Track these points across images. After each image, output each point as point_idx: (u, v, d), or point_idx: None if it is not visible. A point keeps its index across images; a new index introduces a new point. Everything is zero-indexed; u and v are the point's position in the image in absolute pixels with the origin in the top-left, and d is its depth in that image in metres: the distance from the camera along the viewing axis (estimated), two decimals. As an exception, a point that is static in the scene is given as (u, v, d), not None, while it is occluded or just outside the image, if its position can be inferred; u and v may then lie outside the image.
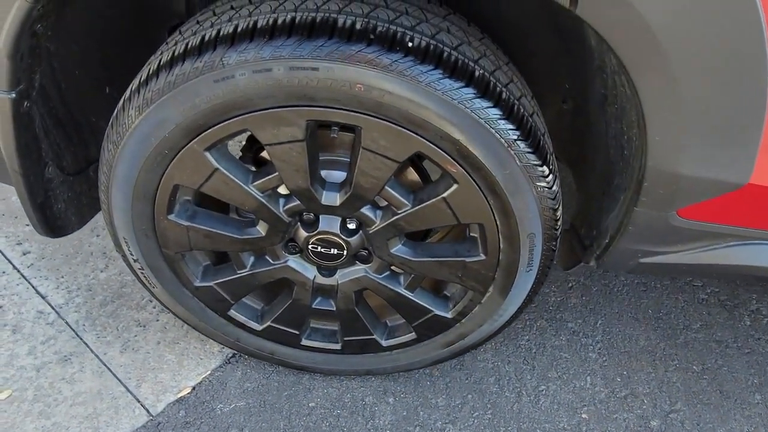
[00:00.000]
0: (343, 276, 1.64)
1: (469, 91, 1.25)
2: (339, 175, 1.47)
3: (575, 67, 1.59)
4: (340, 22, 1.23)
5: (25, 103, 1.37)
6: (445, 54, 1.25)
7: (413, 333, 1.73)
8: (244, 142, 1.63)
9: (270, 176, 1.43)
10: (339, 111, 1.28)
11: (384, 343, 1.77)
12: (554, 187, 1.40)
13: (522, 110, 1.32)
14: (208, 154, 1.38)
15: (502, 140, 1.30)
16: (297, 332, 1.77)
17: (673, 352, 2.04)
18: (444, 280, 1.65)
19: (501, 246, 1.48)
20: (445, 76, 1.24)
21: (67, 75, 1.51)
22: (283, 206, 1.49)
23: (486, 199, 1.39)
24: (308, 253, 1.57)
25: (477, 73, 1.27)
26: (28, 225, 2.19)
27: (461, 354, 1.81)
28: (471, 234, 1.53)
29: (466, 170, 1.34)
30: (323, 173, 1.46)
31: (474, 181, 1.36)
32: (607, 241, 1.55)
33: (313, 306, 1.70)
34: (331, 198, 1.46)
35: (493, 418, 1.85)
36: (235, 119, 1.31)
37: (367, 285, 1.64)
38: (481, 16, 1.43)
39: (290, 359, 1.84)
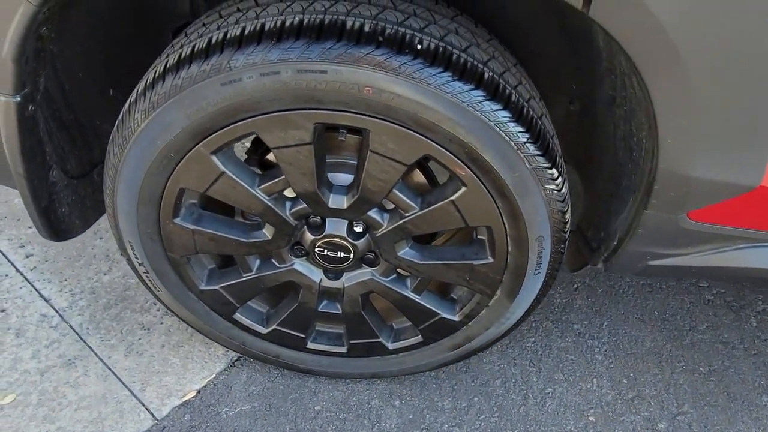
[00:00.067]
0: (349, 279, 1.63)
1: (478, 94, 1.24)
2: (345, 178, 1.46)
3: (582, 68, 1.58)
4: (349, 24, 1.21)
5: (30, 107, 1.36)
6: (455, 56, 1.24)
7: (419, 336, 1.73)
8: (249, 145, 1.63)
9: (277, 179, 1.42)
10: (347, 114, 1.27)
11: (390, 346, 1.76)
12: (563, 190, 1.39)
13: (531, 112, 1.31)
14: (214, 158, 1.37)
15: (512, 143, 1.29)
16: (303, 335, 1.76)
17: (680, 353, 2.03)
18: (450, 283, 1.64)
19: (509, 249, 1.47)
20: (454, 78, 1.23)
21: (70, 77, 1.50)
22: (290, 209, 1.48)
23: (495, 202, 1.38)
24: (314, 256, 1.56)
25: (486, 76, 1.26)
26: (30, 227, 2.18)
27: (468, 357, 1.80)
28: (478, 237, 1.52)
29: (474, 173, 1.33)
30: (329, 176, 1.45)
31: (483, 184, 1.35)
32: (615, 243, 1.54)
33: (319, 309, 1.69)
34: (338, 201, 1.45)
35: (500, 421, 1.84)
36: (242, 122, 1.30)
37: (374, 288, 1.63)
38: (485, 16, 1.42)
39: (296, 362, 1.83)
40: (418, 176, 1.53)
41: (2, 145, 1.41)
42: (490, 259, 1.51)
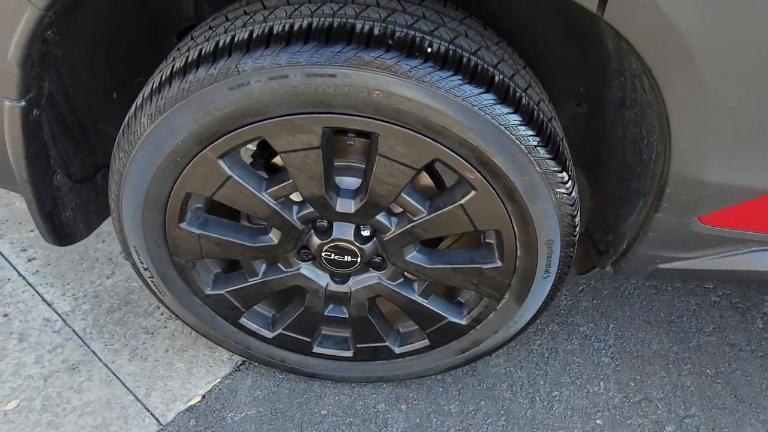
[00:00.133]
0: (356, 283, 1.62)
1: (489, 97, 1.23)
2: (352, 182, 1.45)
3: (590, 70, 1.57)
4: (358, 27, 1.20)
5: (35, 111, 1.34)
6: (465, 59, 1.22)
7: (426, 340, 1.71)
8: (254, 149, 1.61)
9: (284, 183, 1.41)
10: (356, 118, 1.26)
11: (397, 350, 1.74)
12: (573, 193, 1.38)
13: (541, 116, 1.30)
14: (221, 162, 1.35)
15: (523, 147, 1.27)
16: (309, 339, 1.74)
17: (686, 355, 2.02)
18: (458, 287, 1.63)
19: (518, 253, 1.46)
20: (464, 81, 1.21)
21: (74, 80, 1.49)
22: (297, 213, 1.46)
23: (504, 205, 1.37)
24: (321, 260, 1.55)
25: (497, 79, 1.24)
26: (32, 231, 2.16)
27: (475, 360, 1.79)
28: (486, 240, 1.51)
29: (484, 177, 1.32)
30: (336, 179, 1.44)
31: (492, 187, 1.34)
32: (624, 246, 1.53)
33: (326, 313, 1.67)
34: (346, 205, 1.43)
35: (507, 425, 1.83)
36: (250, 126, 1.28)
37: (381, 292, 1.62)
38: (489, 16, 1.40)
39: (301, 366, 1.82)
40: (426, 179, 1.52)
41: (6, 149, 1.40)
42: (499, 263, 1.50)
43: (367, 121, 1.26)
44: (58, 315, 1.97)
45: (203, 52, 1.25)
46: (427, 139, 1.27)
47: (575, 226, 1.43)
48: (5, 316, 1.96)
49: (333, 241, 1.51)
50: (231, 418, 1.80)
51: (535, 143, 1.28)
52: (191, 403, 1.82)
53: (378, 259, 1.55)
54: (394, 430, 1.81)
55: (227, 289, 1.63)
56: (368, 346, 1.74)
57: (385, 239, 1.49)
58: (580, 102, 1.66)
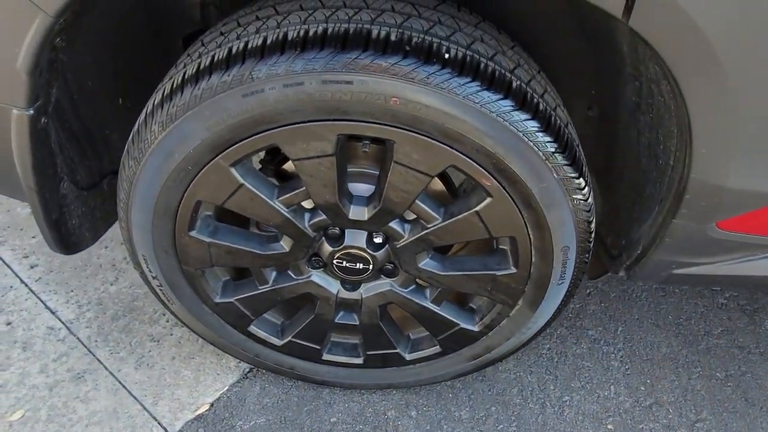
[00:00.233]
0: (367, 290, 1.60)
1: (507, 104, 1.21)
2: (365, 188, 1.43)
3: (603, 73, 1.55)
4: (374, 33, 1.18)
5: (43, 120, 1.32)
6: (482, 65, 1.21)
7: (438, 346, 1.70)
8: (263, 155, 1.59)
9: (296, 191, 1.38)
10: (372, 125, 1.24)
11: (407, 356, 1.73)
12: (590, 199, 1.37)
13: (558, 121, 1.28)
14: (233, 170, 1.33)
15: (540, 153, 1.26)
16: (318, 347, 1.72)
17: (696, 359, 2.01)
18: (469, 293, 1.61)
19: (533, 259, 1.45)
20: (483, 88, 1.20)
21: (80, 87, 1.46)
22: (309, 221, 1.44)
23: (520, 212, 1.35)
24: (332, 267, 1.53)
25: (514, 85, 1.23)
26: (34, 237, 2.13)
27: (486, 367, 1.77)
28: (500, 247, 1.49)
29: (501, 184, 1.31)
30: (348, 186, 1.42)
31: (509, 194, 1.32)
32: (639, 251, 1.52)
33: (336, 320, 1.65)
34: (359, 212, 1.42)
35: (518, 431, 1.82)
36: (263, 134, 1.26)
37: (393, 299, 1.60)
38: (500, 18, 1.39)
39: (311, 374, 1.80)
40: (438, 185, 1.51)
41: (12, 158, 1.37)
42: (513, 270, 1.48)
43: (383, 128, 1.24)
44: (62, 323, 1.95)
45: (216, 59, 1.23)
46: (444, 146, 1.26)
47: (591, 232, 1.42)
48: (8, 324, 1.93)
49: (345, 248, 1.49)
50: (240, 427, 1.78)
51: (553, 149, 1.27)
52: (199, 411, 1.80)
53: (390, 266, 1.54)
54: (404, 437, 1.79)
55: (237, 297, 1.61)
56: (378, 353, 1.72)
57: (397, 246, 1.47)
58: (591, 105, 1.65)
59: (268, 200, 1.39)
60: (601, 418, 1.86)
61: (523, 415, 1.85)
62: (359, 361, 1.74)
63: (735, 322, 2.11)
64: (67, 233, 1.56)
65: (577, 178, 1.32)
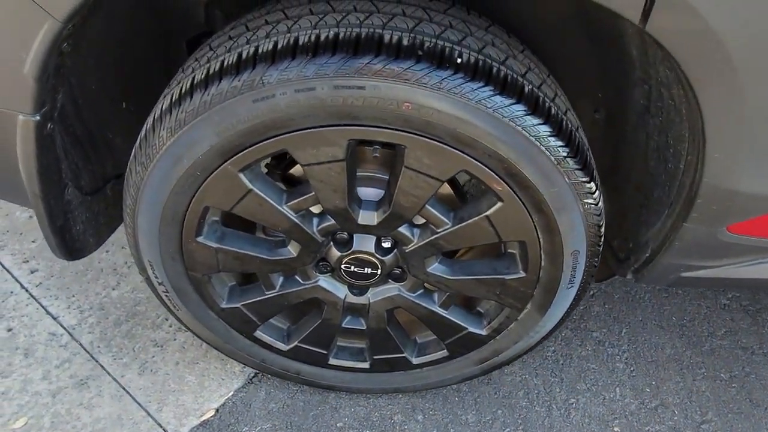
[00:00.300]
0: (375, 295, 1.59)
1: (519, 108, 1.21)
2: (374, 193, 1.42)
3: (610, 76, 1.55)
4: (386, 38, 1.17)
5: (49, 125, 1.30)
6: (495, 69, 1.20)
7: (445, 350, 1.69)
8: (270, 159, 1.57)
9: (305, 196, 1.37)
10: (383, 130, 1.23)
11: (414, 360, 1.72)
12: (600, 203, 1.36)
13: (569, 125, 1.28)
14: (242, 175, 1.32)
15: (552, 158, 1.25)
16: (325, 351, 1.71)
17: (700, 360, 2.01)
18: (477, 297, 1.61)
19: (543, 263, 1.44)
20: (495, 92, 1.19)
21: (83, 91, 1.44)
22: (317, 226, 1.43)
23: (531, 216, 1.35)
24: (340, 272, 1.52)
25: (526, 89, 1.22)
26: (34, 241, 2.11)
27: (493, 370, 1.77)
28: (509, 251, 1.48)
29: (512, 188, 1.30)
30: (358, 190, 1.41)
31: (520, 199, 1.32)
32: (647, 255, 1.51)
33: (343, 325, 1.64)
34: (369, 217, 1.41)
35: (525, 434, 1.82)
36: (274, 139, 1.25)
37: (400, 304, 1.60)
38: (508, 22, 1.38)
39: (317, 379, 1.79)
40: (447, 189, 1.50)
41: (17, 164, 1.35)
42: (523, 274, 1.47)
43: (394, 133, 1.23)
44: (64, 329, 1.93)
45: (226, 64, 1.21)
46: (456, 151, 1.25)
47: (601, 236, 1.42)
48: (9, 330, 1.91)
49: (353, 253, 1.48)
50: (246, 433, 1.77)
51: (565, 154, 1.26)
52: (205, 417, 1.78)
53: (398, 271, 1.53)
54: (411, 442, 1.79)
55: (243, 303, 1.60)
56: (385, 357, 1.72)
57: (406, 251, 1.47)
58: (598, 108, 1.64)
59: (277, 205, 1.38)
60: (607, 420, 1.86)
61: (529, 417, 1.85)
62: (366, 365, 1.73)
63: (738, 323, 2.12)
64: (72, 239, 1.54)
65: (588, 182, 1.31)
